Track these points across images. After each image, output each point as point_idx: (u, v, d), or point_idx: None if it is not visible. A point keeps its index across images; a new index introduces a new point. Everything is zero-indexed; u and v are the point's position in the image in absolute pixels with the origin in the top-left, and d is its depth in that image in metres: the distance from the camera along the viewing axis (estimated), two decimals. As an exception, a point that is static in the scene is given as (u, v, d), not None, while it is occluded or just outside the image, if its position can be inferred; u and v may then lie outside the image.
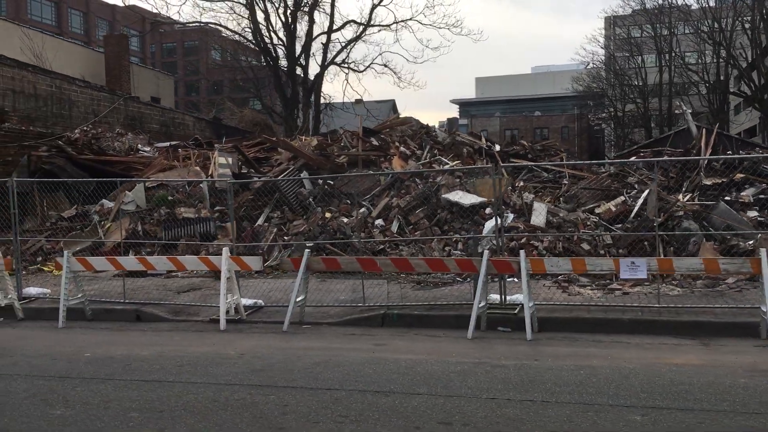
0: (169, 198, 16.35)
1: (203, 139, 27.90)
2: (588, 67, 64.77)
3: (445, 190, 14.78)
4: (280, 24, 37.21)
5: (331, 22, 37.02)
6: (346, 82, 40.69)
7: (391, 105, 65.17)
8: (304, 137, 19.81)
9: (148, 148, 20.06)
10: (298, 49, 37.40)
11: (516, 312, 9.27)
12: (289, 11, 36.97)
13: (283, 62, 37.23)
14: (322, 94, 38.36)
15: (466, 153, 17.41)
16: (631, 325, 8.71)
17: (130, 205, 16.57)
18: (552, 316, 9.12)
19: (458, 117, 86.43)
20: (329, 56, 37.53)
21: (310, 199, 15.51)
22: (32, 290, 11.99)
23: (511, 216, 13.49)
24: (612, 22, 68.94)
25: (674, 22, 52.03)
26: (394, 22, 38.26)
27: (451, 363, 7.19)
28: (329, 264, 9.85)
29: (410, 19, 38.86)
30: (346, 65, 38.54)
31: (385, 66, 39.40)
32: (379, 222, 14.65)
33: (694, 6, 49.66)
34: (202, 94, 74.08)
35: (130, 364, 7.57)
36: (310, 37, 36.74)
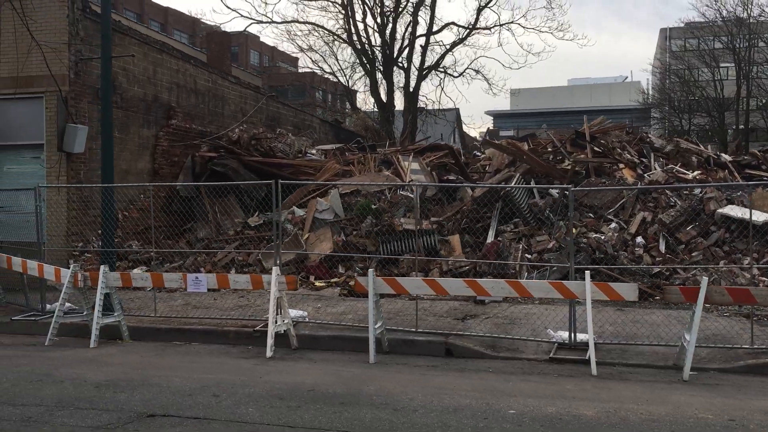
0: (373, 206, 14.50)
1: (327, 142, 26.20)
2: (625, 81, 61.76)
3: (715, 204, 12.81)
4: (374, 26, 35.54)
5: (431, 23, 35.27)
6: (441, 87, 38.63)
7: (456, 114, 63.07)
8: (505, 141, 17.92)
9: (314, 151, 18.25)
10: (395, 52, 35.75)
11: None
12: (388, 12, 35.32)
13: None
14: (420, 98, 36.55)
15: (696, 162, 15.44)
16: None
17: (326, 214, 14.76)
18: None
19: (492, 128, 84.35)
20: (427, 59, 35.82)
21: (548, 211, 13.59)
22: (290, 312, 10.11)
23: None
24: (668, 33, 67.25)
25: (753, 32, 49.92)
26: (495, 25, 36.43)
27: None
28: (738, 296, 7.83)
29: (511, 22, 36.80)
30: (442, 69, 36.87)
31: (477, 72, 37.56)
32: (639, 240, 12.70)
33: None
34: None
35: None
36: (413, 37, 35.01)
